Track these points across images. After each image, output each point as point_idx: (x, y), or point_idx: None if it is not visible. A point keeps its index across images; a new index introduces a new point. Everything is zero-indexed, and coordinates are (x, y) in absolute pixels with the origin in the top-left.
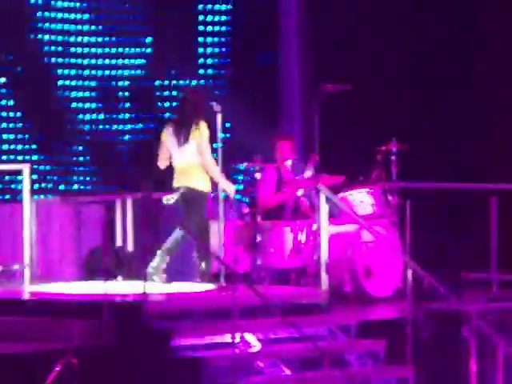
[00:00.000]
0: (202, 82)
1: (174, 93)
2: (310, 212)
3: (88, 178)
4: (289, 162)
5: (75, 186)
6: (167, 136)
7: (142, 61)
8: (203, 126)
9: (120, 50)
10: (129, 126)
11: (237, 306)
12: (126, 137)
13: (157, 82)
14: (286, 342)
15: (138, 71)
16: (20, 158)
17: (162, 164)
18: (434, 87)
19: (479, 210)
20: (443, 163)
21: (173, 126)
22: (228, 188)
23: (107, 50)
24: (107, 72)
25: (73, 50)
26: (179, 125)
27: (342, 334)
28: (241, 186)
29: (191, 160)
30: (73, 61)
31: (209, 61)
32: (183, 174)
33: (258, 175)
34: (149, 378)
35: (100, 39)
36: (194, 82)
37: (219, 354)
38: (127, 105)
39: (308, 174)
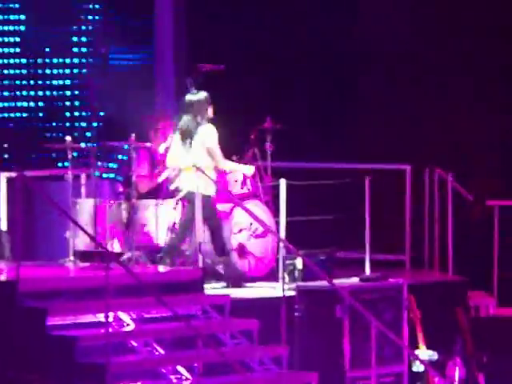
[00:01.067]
0: (75, 60)
1: (48, 71)
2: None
3: None
4: (164, 142)
5: None
6: (174, 141)
7: (16, 39)
8: (210, 128)
9: None
10: (5, 104)
11: (110, 285)
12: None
13: (31, 60)
14: (160, 322)
15: (12, 49)
16: None
17: (170, 165)
18: (312, 64)
19: (354, 189)
20: (318, 143)
21: (179, 131)
22: (248, 170)
23: None
24: None
25: None
26: (185, 129)
27: (216, 314)
28: (115, 165)
29: (197, 163)
30: None
31: (83, 39)
32: (187, 177)
33: (132, 154)
34: (22, 357)
35: None
36: (67, 61)
37: (92, 333)
38: (1, 83)
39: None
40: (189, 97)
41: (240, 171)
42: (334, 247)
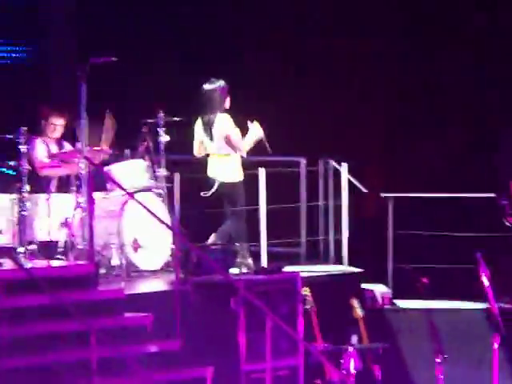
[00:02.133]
0: None
1: None
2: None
3: None
4: (57, 134)
5: None
6: (198, 127)
7: None
8: (224, 116)
9: None
10: None
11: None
12: None
13: None
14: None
15: None
16: None
17: (197, 153)
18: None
19: (250, 182)
20: None
21: (201, 118)
22: (258, 132)
23: None
24: None
25: None
26: (204, 118)
27: (109, 308)
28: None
29: (219, 151)
30: None
31: None
32: (214, 166)
33: (23, 148)
34: None
35: None
36: None
37: None
38: None
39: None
40: (205, 86)
41: (256, 137)
42: (229, 240)
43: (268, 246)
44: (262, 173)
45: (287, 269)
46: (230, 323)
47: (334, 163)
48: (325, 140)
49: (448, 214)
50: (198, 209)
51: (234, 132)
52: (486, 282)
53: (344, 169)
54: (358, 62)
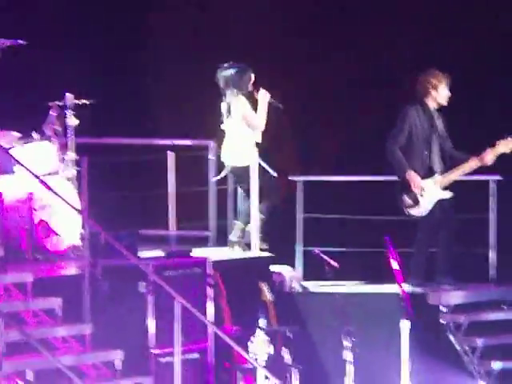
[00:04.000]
0: None
1: None
2: None
3: None
4: None
5: None
6: (222, 107)
7: None
8: (240, 98)
9: None
10: None
11: None
12: None
13: None
14: None
15: None
16: None
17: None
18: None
19: (158, 165)
20: (123, 118)
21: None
22: (266, 98)
23: None
24: None
25: None
26: (226, 102)
27: (18, 292)
28: None
29: (234, 133)
30: None
31: None
32: (227, 147)
33: None
34: None
35: None
36: None
37: None
38: None
39: None
40: (221, 71)
41: (266, 104)
42: (138, 224)
43: (177, 229)
44: (170, 156)
45: (196, 253)
46: (139, 307)
47: None
48: None
49: (358, 197)
50: (107, 192)
51: (249, 111)
52: (394, 265)
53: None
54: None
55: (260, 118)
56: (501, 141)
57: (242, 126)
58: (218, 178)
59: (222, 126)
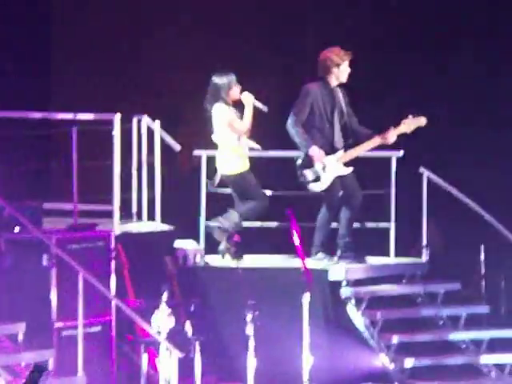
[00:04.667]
0: None
1: None
2: None
3: None
4: None
5: None
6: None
7: None
8: (222, 107)
9: None
10: None
11: None
12: None
13: None
14: None
15: None
16: None
17: None
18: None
19: (63, 139)
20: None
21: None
22: (250, 100)
23: None
24: None
25: None
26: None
27: None
28: None
29: (220, 142)
30: None
31: None
32: (217, 156)
33: None
34: None
35: None
36: None
37: None
38: None
39: None
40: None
41: (251, 105)
42: (43, 198)
43: (81, 203)
44: (73, 131)
45: (100, 226)
46: (42, 280)
47: (147, 120)
48: (138, 96)
49: (261, 172)
50: (13, 166)
51: (232, 118)
52: (296, 239)
53: (157, 126)
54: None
55: (244, 122)
56: (404, 120)
57: (227, 135)
58: (215, 185)
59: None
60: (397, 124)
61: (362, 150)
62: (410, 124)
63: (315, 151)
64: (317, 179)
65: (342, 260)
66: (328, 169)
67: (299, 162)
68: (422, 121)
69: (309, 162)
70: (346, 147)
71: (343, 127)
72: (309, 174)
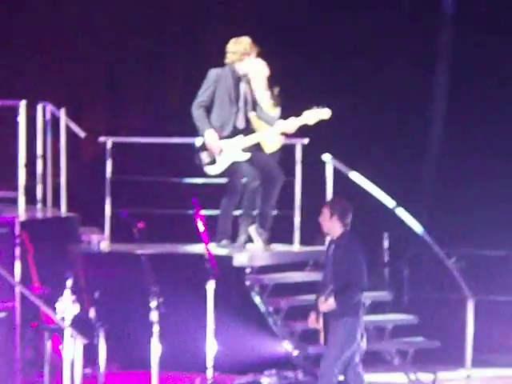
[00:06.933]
0: None
1: None
2: None
3: None
4: None
5: None
6: None
7: None
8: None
9: None
10: None
11: None
12: None
13: None
14: None
15: None
16: None
17: None
18: None
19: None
20: None
21: None
22: None
23: None
24: None
25: None
26: None
27: None
28: None
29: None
30: None
31: None
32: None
33: None
34: None
35: None
36: None
37: None
38: None
39: None
40: None
41: None
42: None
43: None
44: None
45: (4, 213)
46: None
47: (52, 107)
48: (44, 82)
49: (167, 160)
50: None
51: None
52: (201, 226)
53: (62, 113)
54: None
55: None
56: (306, 111)
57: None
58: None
59: None
60: (298, 114)
61: (262, 137)
62: (310, 116)
63: (210, 134)
64: (212, 162)
65: (246, 246)
66: (224, 153)
67: (197, 144)
68: (325, 113)
69: (206, 145)
70: (247, 133)
71: (246, 113)
72: (205, 157)
